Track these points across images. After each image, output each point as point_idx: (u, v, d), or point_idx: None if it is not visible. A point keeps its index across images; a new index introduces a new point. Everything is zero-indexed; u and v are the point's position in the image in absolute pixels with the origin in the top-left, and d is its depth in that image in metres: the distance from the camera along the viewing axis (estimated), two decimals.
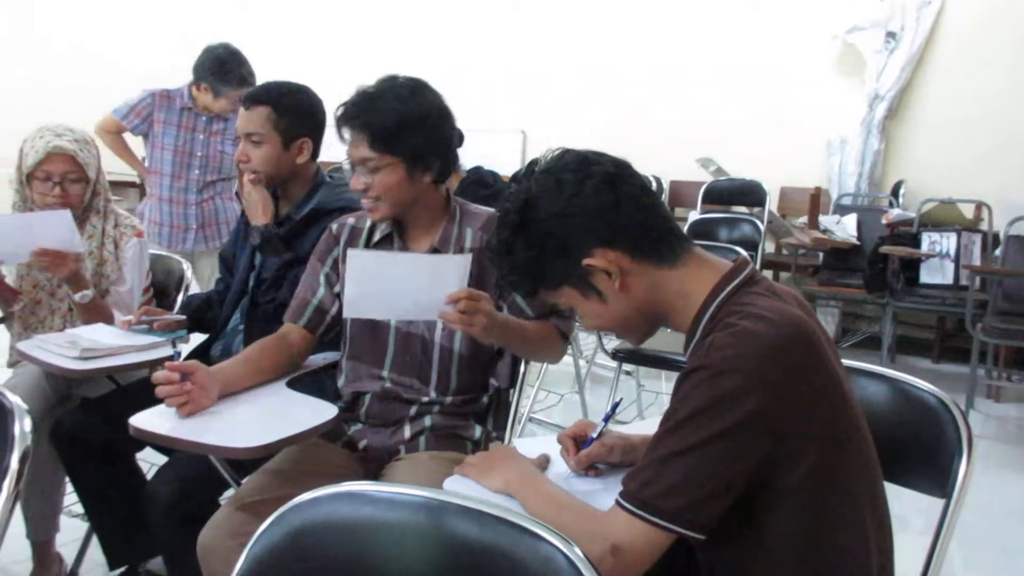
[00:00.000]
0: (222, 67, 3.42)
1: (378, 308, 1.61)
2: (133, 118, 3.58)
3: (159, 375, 1.45)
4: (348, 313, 1.63)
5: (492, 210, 1.80)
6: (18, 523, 2.13)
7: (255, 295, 2.08)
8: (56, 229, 2.01)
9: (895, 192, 5.30)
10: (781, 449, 1.01)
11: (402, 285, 1.53)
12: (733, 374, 0.99)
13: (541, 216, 1.12)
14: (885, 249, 4.42)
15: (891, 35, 5.32)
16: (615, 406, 1.51)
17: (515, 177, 1.20)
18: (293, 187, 2.11)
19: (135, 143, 3.82)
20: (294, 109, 2.03)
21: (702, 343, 1.06)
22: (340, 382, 1.80)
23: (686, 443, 1.00)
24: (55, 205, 2.09)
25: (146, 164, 3.74)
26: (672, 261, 1.13)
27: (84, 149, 2.14)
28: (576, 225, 1.11)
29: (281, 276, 1.92)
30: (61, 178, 2.10)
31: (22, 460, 1.13)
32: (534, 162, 1.18)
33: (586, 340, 4.67)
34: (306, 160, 2.07)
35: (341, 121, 1.64)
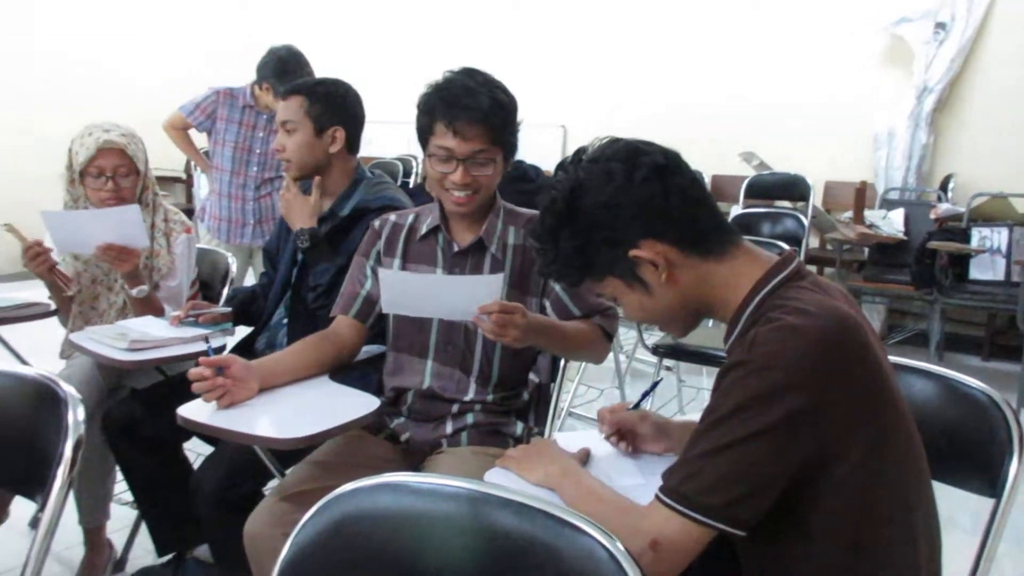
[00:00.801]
0: (283, 68, 3.50)
1: (414, 310, 1.65)
2: (198, 115, 3.69)
3: (193, 372, 1.48)
4: (387, 310, 1.66)
5: (535, 212, 1.80)
6: (71, 510, 2.19)
7: (298, 290, 2.10)
8: (123, 225, 2.07)
9: (944, 186, 5.18)
10: (825, 446, 0.99)
11: (435, 300, 1.57)
12: (774, 371, 0.98)
13: (588, 206, 1.11)
14: (934, 244, 4.32)
15: (940, 26, 5.20)
16: (655, 383, 1.52)
17: (561, 165, 1.19)
18: (331, 180, 2.12)
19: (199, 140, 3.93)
20: (327, 98, 2.07)
21: (743, 338, 1.04)
22: (383, 375, 1.81)
23: (726, 439, 0.99)
24: (109, 200, 2.15)
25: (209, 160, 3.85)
26: (719, 254, 1.12)
27: (132, 143, 2.19)
28: (624, 216, 1.10)
29: (335, 283, 1.93)
30: (113, 172, 2.15)
31: (76, 448, 1.16)
32: (581, 150, 1.17)
33: (626, 335, 4.64)
34: (340, 150, 2.09)
35: (450, 111, 1.60)
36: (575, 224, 1.13)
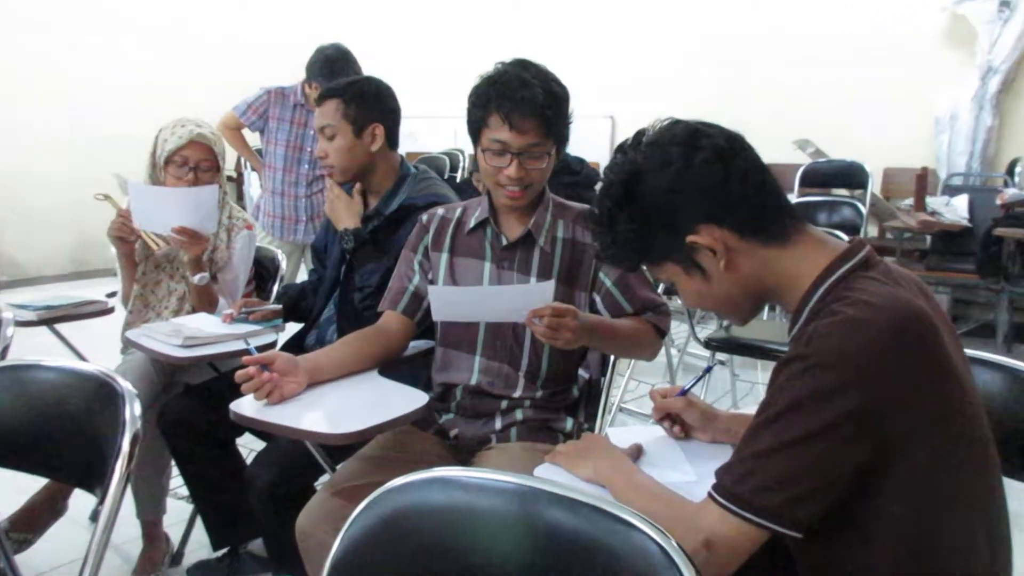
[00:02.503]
0: (331, 67, 3.56)
1: (465, 317, 1.68)
2: (251, 115, 3.78)
3: (240, 373, 1.50)
4: (437, 318, 1.67)
5: (585, 206, 1.80)
6: (129, 504, 2.25)
7: (346, 288, 2.12)
8: (199, 207, 2.16)
9: (1011, 170, 5.01)
10: (886, 446, 0.96)
11: (486, 308, 1.59)
12: (833, 367, 0.95)
13: (647, 190, 1.10)
14: (1001, 231, 4.19)
15: (1005, 4, 5.03)
16: (708, 368, 1.51)
17: (620, 148, 1.18)
18: (377, 179, 2.14)
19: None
20: (361, 97, 2.08)
21: (804, 330, 1.02)
22: (432, 371, 1.83)
23: (782, 438, 0.97)
24: None
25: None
26: (783, 240, 1.10)
27: (219, 141, 2.30)
28: (683, 201, 1.09)
29: (383, 284, 1.93)
30: (196, 164, 2.24)
31: (133, 442, 1.19)
32: (641, 132, 1.15)
33: (677, 329, 4.59)
34: (381, 146, 2.11)
35: (505, 104, 1.59)
36: (632, 208, 1.11)
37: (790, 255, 1.10)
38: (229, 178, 7.36)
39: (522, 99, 1.59)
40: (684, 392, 1.42)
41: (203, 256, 2.24)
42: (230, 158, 7.02)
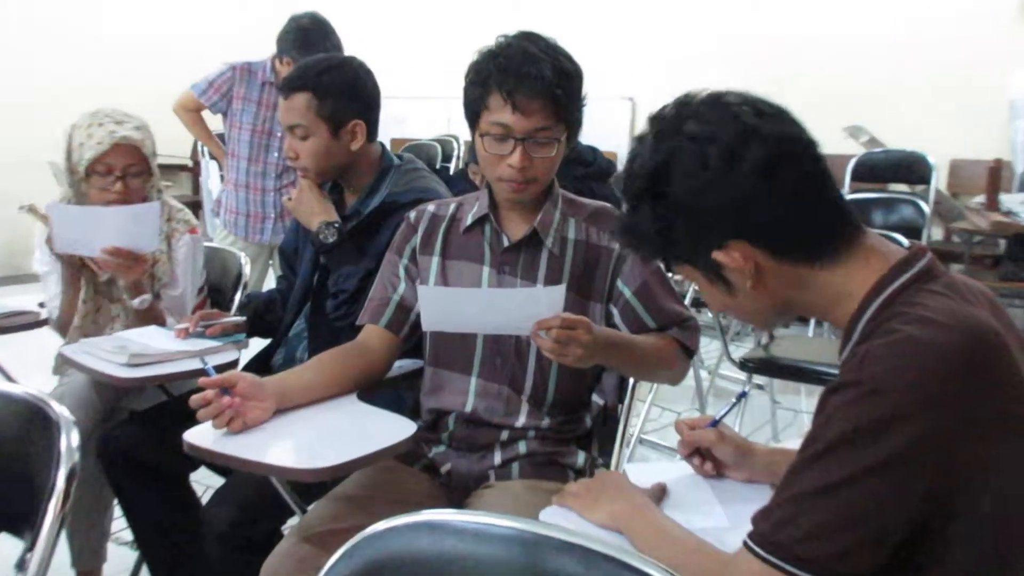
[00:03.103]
0: (306, 39, 3.54)
1: (460, 326, 1.66)
2: (212, 94, 3.77)
3: (195, 398, 1.50)
4: (427, 327, 1.67)
5: (600, 203, 1.80)
6: (63, 551, 2.24)
7: (320, 298, 2.13)
8: (136, 226, 2.12)
9: None
10: (952, 486, 0.96)
11: (484, 315, 1.57)
12: (890, 394, 0.95)
13: (675, 189, 1.10)
14: None
15: None
16: (742, 394, 1.51)
17: (659, 117, 1.17)
18: (356, 176, 2.15)
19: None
20: (337, 89, 2.06)
21: (856, 351, 1.02)
22: (421, 395, 1.83)
23: (831, 477, 0.97)
24: (115, 203, 2.18)
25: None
26: (830, 259, 1.10)
27: (147, 138, 2.24)
28: (713, 212, 1.08)
29: (361, 289, 1.94)
30: (123, 172, 2.19)
31: (69, 478, 1.19)
32: (684, 104, 1.13)
33: (708, 347, 4.61)
34: (362, 144, 2.11)
35: (509, 81, 1.59)
36: (657, 205, 1.12)
37: (837, 274, 1.10)
38: (184, 168, 7.41)
39: (528, 75, 1.58)
40: (715, 423, 1.42)
41: (143, 276, 2.21)
42: (185, 145, 7.07)
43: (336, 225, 2.05)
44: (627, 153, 1.18)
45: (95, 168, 2.18)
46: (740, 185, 1.07)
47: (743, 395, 1.53)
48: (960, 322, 0.99)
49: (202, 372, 1.86)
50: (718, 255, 1.10)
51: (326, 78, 2.06)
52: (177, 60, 6.36)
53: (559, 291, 1.51)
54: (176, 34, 7.26)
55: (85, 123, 2.19)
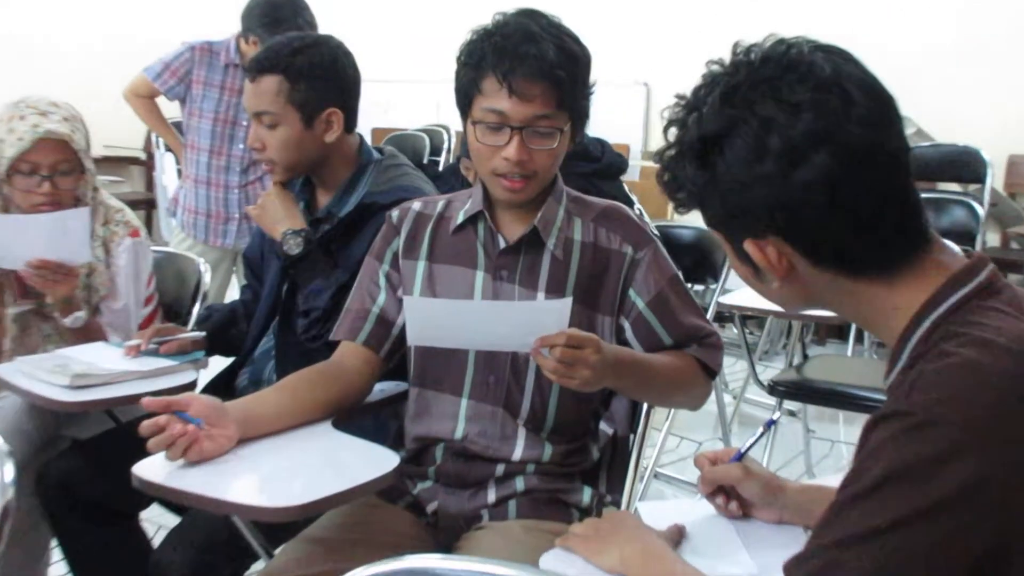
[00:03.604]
0: (275, 14, 3.54)
1: (450, 341, 1.66)
2: (168, 78, 3.76)
3: (146, 425, 1.48)
4: (413, 342, 1.67)
5: (611, 203, 1.80)
6: None
7: (289, 312, 2.13)
8: (63, 235, 2.10)
9: None
10: (1012, 530, 0.96)
11: (480, 329, 1.57)
12: (944, 427, 0.94)
13: (722, 169, 1.09)
14: None
15: None
16: (770, 422, 1.50)
17: (738, 65, 1.14)
18: (330, 172, 2.15)
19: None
20: (312, 72, 2.05)
21: (905, 375, 1.02)
22: (405, 420, 1.83)
23: (875, 521, 0.96)
24: (44, 206, 2.16)
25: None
26: (883, 274, 1.09)
27: (76, 131, 2.21)
28: (757, 206, 1.08)
29: (335, 307, 1.93)
30: (51, 171, 2.18)
31: (2, 516, 1.18)
32: (772, 56, 1.09)
33: (732, 368, 4.61)
34: (339, 135, 2.10)
35: (505, 62, 1.59)
36: (702, 171, 1.11)
37: (887, 287, 1.10)
38: (136, 161, 7.41)
39: (527, 55, 1.59)
40: (740, 456, 1.41)
41: (75, 291, 2.20)
42: (139, 136, 7.06)
43: (303, 234, 2.04)
44: (701, 79, 1.15)
45: (18, 167, 2.15)
46: (794, 191, 1.06)
47: (772, 424, 1.53)
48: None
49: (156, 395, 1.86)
50: (750, 246, 1.10)
51: (299, 59, 2.06)
52: (128, 40, 6.37)
53: (565, 305, 1.51)
54: (127, 9, 7.27)
55: (6, 116, 2.16)
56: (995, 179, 5.26)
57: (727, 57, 1.15)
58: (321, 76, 2.06)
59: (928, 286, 1.08)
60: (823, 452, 3.88)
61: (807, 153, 1.04)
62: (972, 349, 0.98)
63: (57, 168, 2.18)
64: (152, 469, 1.48)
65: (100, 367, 1.97)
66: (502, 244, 1.74)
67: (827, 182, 1.04)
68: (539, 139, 1.64)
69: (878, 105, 1.09)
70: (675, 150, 1.15)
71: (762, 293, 1.20)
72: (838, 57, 1.10)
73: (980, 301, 1.05)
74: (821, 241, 1.08)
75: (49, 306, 2.28)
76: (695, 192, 1.13)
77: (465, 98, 1.67)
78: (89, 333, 2.24)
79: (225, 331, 2.26)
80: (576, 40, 1.66)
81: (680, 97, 1.16)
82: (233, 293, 3.85)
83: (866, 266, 1.09)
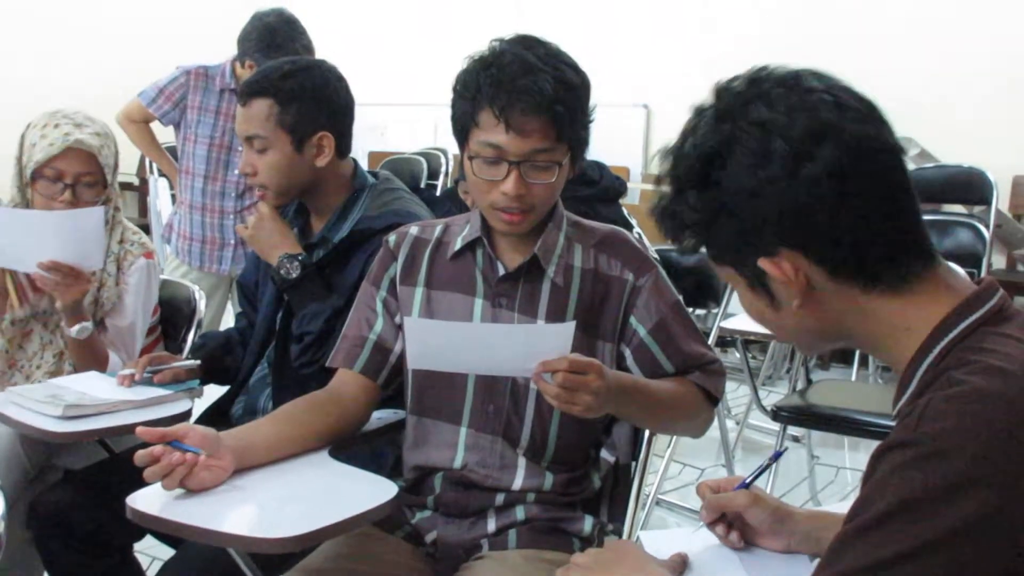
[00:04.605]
0: (273, 39, 3.55)
1: (451, 365, 1.66)
2: (163, 103, 3.78)
3: (141, 454, 1.48)
4: (414, 365, 1.67)
5: (612, 228, 1.81)
6: None
7: (284, 340, 2.13)
8: (78, 235, 2.13)
9: None
10: (1020, 569, 0.96)
11: (481, 352, 1.57)
12: (954, 457, 0.94)
13: (727, 182, 1.09)
14: None
15: None
16: (777, 454, 1.49)
17: (724, 93, 1.16)
18: (324, 197, 2.16)
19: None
20: (302, 96, 2.07)
21: (915, 403, 1.01)
22: (403, 450, 1.83)
23: (883, 553, 0.96)
24: None
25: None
26: (895, 287, 1.09)
27: (106, 146, 2.26)
28: (767, 215, 1.08)
29: (330, 331, 1.94)
30: (74, 180, 2.22)
31: None
32: (759, 77, 1.13)
33: (734, 393, 4.60)
34: (330, 160, 2.12)
35: (502, 96, 1.59)
36: (703, 196, 1.12)
37: (900, 305, 1.10)
38: (130, 186, 7.44)
39: (525, 90, 1.59)
40: (746, 484, 1.41)
41: (84, 300, 2.21)
42: (132, 161, 7.07)
43: (300, 258, 2.05)
44: (693, 113, 1.17)
45: (43, 172, 2.20)
46: (804, 190, 1.06)
47: (779, 455, 1.51)
48: None
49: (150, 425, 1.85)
50: (765, 263, 1.09)
51: (290, 83, 2.08)
52: (119, 65, 6.40)
53: (568, 328, 1.51)
54: (118, 34, 7.29)
55: (41, 122, 2.23)
56: (1000, 200, 5.27)
57: (719, 88, 1.16)
58: (312, 100, 2.08)
59: (940, 308, 1.08)
60: (828, 478, 3.87)
61: (811, 150, 1.06)
62: (983, 377, 0.98)
63: (81, 179, 2.22)
64: (146, 500, 1.48)
65: (93, 397, 1.97)
66: (501, 271, 1.75)
67: (835, 176, 1.05)
68: (537, 173, 1.64)
69: (867, 104, 1.13)
70: (673, 187, 1.15)
71: (778, 330, 1.19)
72: (821, 73, 1.14)
73: (991, 327, 1.06)
74: (834, 244, 1.08)
75: (49, 313, 2.31)
76: (701, 221, 1.13)
77: (461, 130, 1.68)
78: (92, 347, 2.25)
79: (220, 359, 2.26)
80: (575, 68, 1.66)
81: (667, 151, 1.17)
82: (228, 320, 3.85)
83: (879, 276, 1.09)
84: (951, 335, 1.06)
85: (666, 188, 1.17)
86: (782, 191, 1.06)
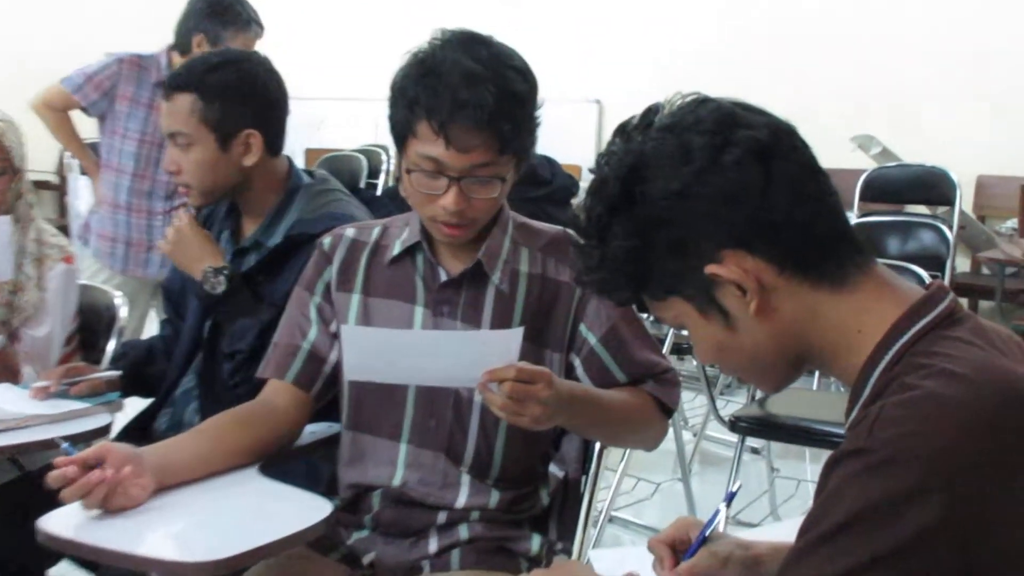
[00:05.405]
0: (220, 7, 3.50)
1: (391, 376, 1.65)
2: (90, 92, 3.67)
3: (53, 475, 1.46)
4: (351, 376, 1.66)
5: (560, 229, 1.80)
6: None
7: (213, 348, 2.10)
8: None
9: None
10: (982, 569, 0.97)
11: (423, 361, 1.56)
12: (906, 464, 0.95)
13: (652, 193, 1.10)
14: None
15: None
16: (731, 496, 1.48)
17: (622, 130, 1.18)
18: (255, 198, 2.15)
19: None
20: (228, 91, 2.05)
21: (867, 411, 1.02)
22: (338, 467, 1.81)
23: (835, 567, 0.96)
24: None
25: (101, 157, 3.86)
26: (839, 281, 1.11)
27: (10, 129, 2.23)
28: (702, 214, 1.08)
29: (262, 347, 1.90)
30: None
31: None
32: (654, 111, 1.15)
33: (691, 403, 4.63)
34: (259, 159, 2.10)
35: (441, 109, 1.55)
36: (632, 217, 1.11)
37: (849, 303, 1.11)
38: (47, 185, 7.32)
39: (465, 103, 1.55)
40: (703, 539, 1.32)
41: None
42: (50, 157, 6.97)
43: (225, 272, 2.03)
44: (598, 157, 1.18)
45: None
46: (731, 174, 1.08)
47: (732, 497, 1.47)
48: (993, 376, 1.00)
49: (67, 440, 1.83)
50: (713, 268, 1.09)
51: (215, 77, 2.06)
52: (36, 55, 6.30)
53: (515, 335, 1.51)
54: (34, 23, 7.19)
55: None
56: (965, 201, 5.36)
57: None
58: (238, 95, 2.07)
59: (887, 308, 1.09)
60: (788, 492, 3.91)
61: (728, 136, 1.08)
62: (935, 380, 0.99)
63: None
64: (60, 522, 1.45)
65: (2, 410, 1.93)
66: (443, 277, 1.74)
67: (757, 155, 1.08)
68: (479, 188, 1.62)
69: (768, 113, 1.15)
70: (594, 231, 1.15)
71: (735, 357, 1.18)
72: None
73: (943, 331, 1.07)
74: (773, 231, 1.09)
75: None
76: (634, 250, 1.12)
77: (399, 136, 1.65)
78: (3, 360, 2.21)
79: (142, 370, 2.23)
80: (523, 72, 1.63)
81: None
82: (152, 328, 3.80)
83: (824, 264, 1.11)
84: (902, 340, 1.07)
85: (586, 241, 1.17)
86: (711, 181, 1.08)
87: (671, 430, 3.41)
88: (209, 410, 1.94)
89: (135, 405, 2.21)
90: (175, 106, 2.06)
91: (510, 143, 1.60)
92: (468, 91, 1.55)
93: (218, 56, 2.13)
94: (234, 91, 2.06)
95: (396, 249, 1.77)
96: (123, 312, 2.50)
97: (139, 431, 2.14)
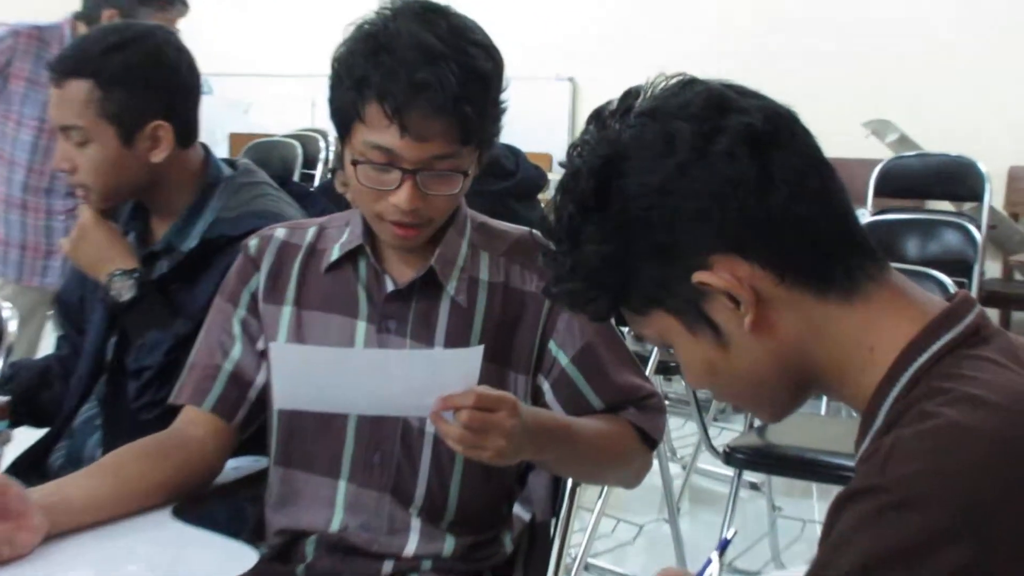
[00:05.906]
0: None
1: (328, 402, 1.64)
2: None
3: None
4: (282, 404, 1.66)
5: (525, 231, 1.81)
6: None
7: (118, 372, 2.09)
8: None
9: None
10: None
11: (366, 386, 1.56)
12: (926, 506, 0.95)
13: (630, 188, 1.10)
14: None
15: None
16: (726, 542, 1.49)
17: (597, 116, 1.18)
18: (164, 196, 2.13)
19: None
20: (129, 77, 2.02)
21: (880, 443, 1.03)
22: (266, 508, 1.81)
23: None
24: None
25: None
26: (848, 291, 1.11)
27: None
28: (688, 213, 1.09)
29: (175, 363, 1.90)
30: None
31: None
32: (633, 94, 1.15)
33: (680, 431, 4.64)
34: (170, 153, 2.08)
35: (396, 91, 1.54)
36: (607, 217, 1.12)
37: (858, 317, 1.11)
38: None
39: (424, 85, 1.55)
40: None
41: None
42: None
43: (135, 275, 2.02)
44: (569, 148, 1.18)
45: None
46: (720, 171, 1.08)
47: (726, 545, 1.48)
48: (1021, 402, 1.01)
49: None
50: (701, 276, 1.09)
51: (114, 60, 2.02)
52: None
53: (474, 355, 1.50)
54: None
55: None
56: (995, 196, 5.39)
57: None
58: (143, 81, 2.04)
59: (903, 324, 1.10)
60: (793, 534, 3.93)
61: (717, 122, 1.08)
62: (957, 409, 1.00)
63: None
64: None
65: None
66: (390, 287, 1.74)
67: (750, 145, 1.08)
68: (437, 183, 1.63)
69: (765, 96, 1.15)
70: (565, 234, 1.15)
71: (731, 380, 1.18)
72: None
73: (967, 350, 1.08)
74: (772, 233, 1.09)
75: None
76: (610, 256, 1.12)
77: (342, 122, 1.64)
78: None
79: (35, 395, 2.23)
80: (487, 49, 1.64)
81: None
82: (50, 345, 3.78)
83: (830, 271, 1.11)
84: (921, 360, 1.08)
85: (556, 246, 1.17)
86: (698, 175, 1.08)
87: (656, 463, 3.42)
88: (113, 443, 1.92)
89: (26, 436, 2.20)
90: (67, 95, 2.02)
91: (474, 132, 1.61)
92: (427, 70, 1.54)
93: (115, 34, 2.08)
94: (138, 76, 2.03)
95: (335, 254, 1.77)
96: (12, 326, 2.48)
97: (30, 467, 2.12)
